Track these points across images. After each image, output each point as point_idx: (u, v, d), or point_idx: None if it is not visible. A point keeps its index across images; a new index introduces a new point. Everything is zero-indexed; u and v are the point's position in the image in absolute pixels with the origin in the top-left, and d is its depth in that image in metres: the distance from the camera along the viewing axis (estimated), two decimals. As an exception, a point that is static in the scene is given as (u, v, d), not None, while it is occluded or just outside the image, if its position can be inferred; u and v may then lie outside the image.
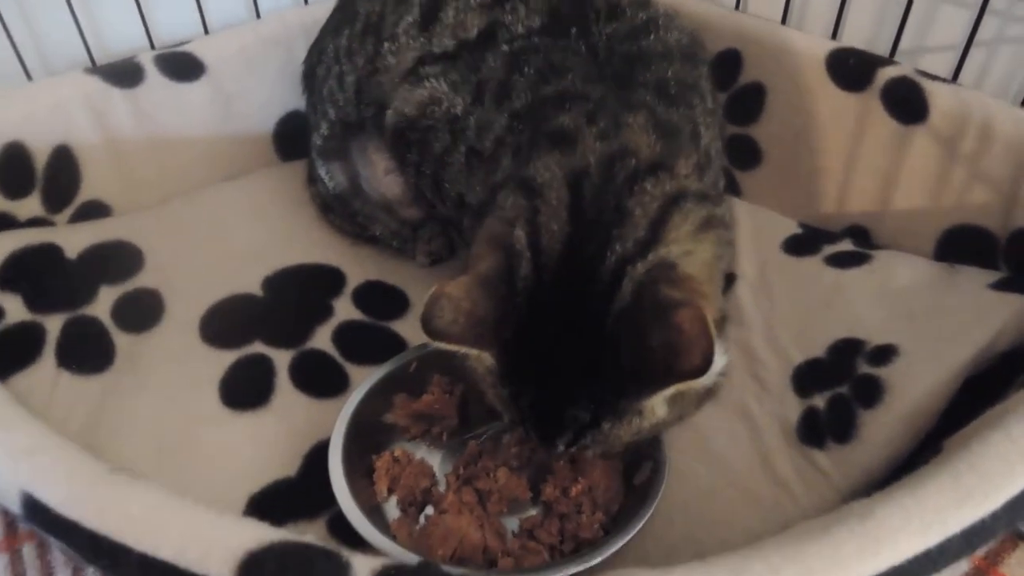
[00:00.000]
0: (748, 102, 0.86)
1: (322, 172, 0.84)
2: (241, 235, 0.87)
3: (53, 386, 0.68)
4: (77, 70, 0.81)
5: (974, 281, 0.68)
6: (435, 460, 0.66)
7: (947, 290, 0.69)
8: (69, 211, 0.82)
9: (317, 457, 0.65)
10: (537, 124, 0.59)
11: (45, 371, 0.69)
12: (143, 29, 0.87)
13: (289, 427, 0.68)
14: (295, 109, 0.95)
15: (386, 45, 0.71)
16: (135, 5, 0.85)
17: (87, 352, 0.72)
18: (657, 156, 0.55)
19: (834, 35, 0.83)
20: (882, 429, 0.60)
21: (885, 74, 0.75)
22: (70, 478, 0.43)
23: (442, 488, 0.63)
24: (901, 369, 0.62)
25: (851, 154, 0.79)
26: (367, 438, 0.65)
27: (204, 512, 0.42)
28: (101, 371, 0.71)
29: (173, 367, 0.72)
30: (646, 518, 0.55)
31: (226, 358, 0.73)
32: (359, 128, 0.79)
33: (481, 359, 0.52)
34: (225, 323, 0.77)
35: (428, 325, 0.49)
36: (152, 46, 0.88)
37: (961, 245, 0.73)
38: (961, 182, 0.71)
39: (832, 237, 0.80)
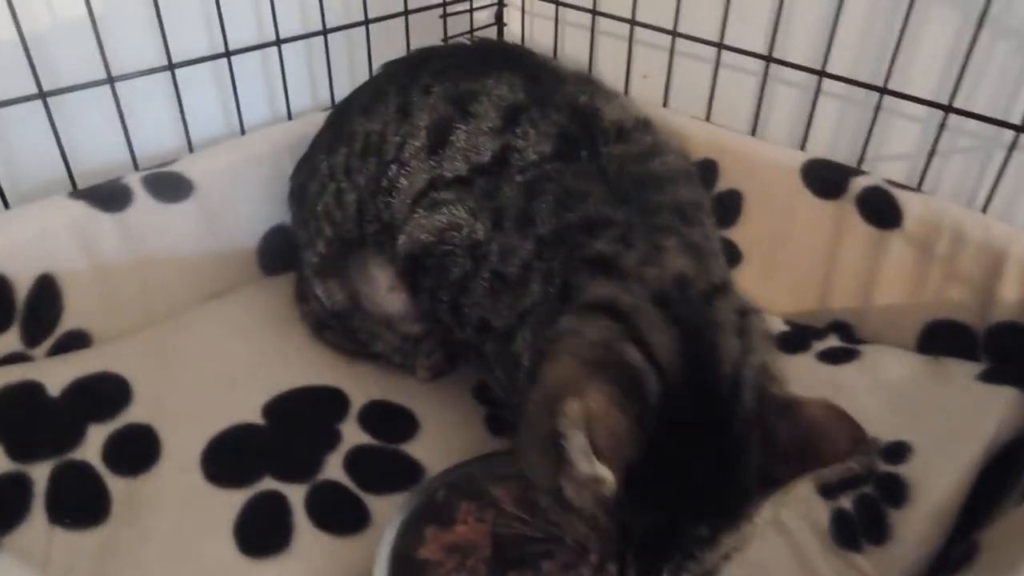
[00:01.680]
0: (726, 207, 0.91)
1: (319, 291, 0.82)
2: (231, 358, 0.83)
3: (47, 545, 0.62)
4: (59, 193, 0.78)
5: (961, 374, 0.74)
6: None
7: (939, 383, 0.74)
8: (48, 343, 0.77)
9: (349, 601, 0.62)
10: (570, 251, 0.60)
11: (36, 529, 0.63)
12: (120, 146, 0.84)
13: (314, 571, 0.64)
14: (279, 223, 0.94)
15: (393, 168, 0.72)
16: (115, 122, 0.83)
17: (80, 503, 0.66)
18: (712, 276, 0.57)
19: (802, 146, 0.90)
20: (913, 528, 0.62)
21: (858, 184, 0.82)
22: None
23: (489, 625, 0.61)
24: (919, 467, 0.65)
25: (830, 255, 0.85)
26: (399, 577, 0.63)
27: None
28: (97, 524, 0.65)
29: (179, 513, 0.67)
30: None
31: (236, 498, 0.69)
32: (359, 245, 0.78)
33: (598, 485, 0.49)
34: (229, 459, 0.72)
35: (595, 446, 0.46)
36: (135, 165, 0.85)
37: (942, 338, 0.79)
38: (938, 281, 0.78)
39: (818, 333, 0.85)
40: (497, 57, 0.73)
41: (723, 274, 0.60)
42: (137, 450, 0.72)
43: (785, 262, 0.88)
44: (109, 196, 0.79)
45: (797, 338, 0.85)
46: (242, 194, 0.90)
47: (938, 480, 0.64)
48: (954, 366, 0.75)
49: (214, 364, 0.82)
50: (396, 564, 0.62)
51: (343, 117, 0.81)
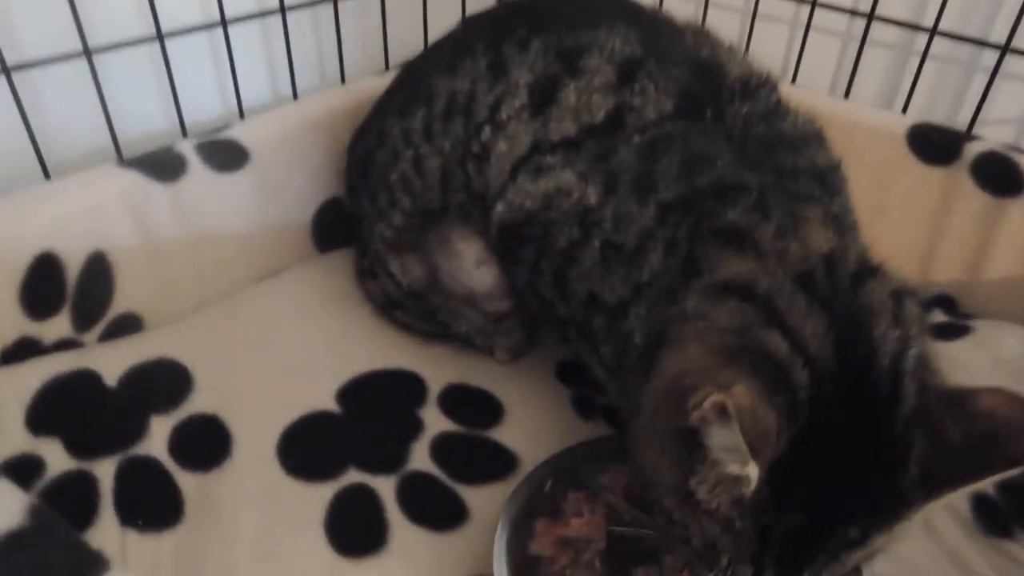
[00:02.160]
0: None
1: (394, 268, 0.75)
2: (295, 342, 0.76)
3: (122, 549, 0.56)
4: (108, 163, 0.70)
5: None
6: (594, 593, 0.58)
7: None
8: (99, 328, 0.70)
9: (462, 605, 0.56)
10: (697, 219, 0.55)
11: (108, 533, 0.57)
12: (162, 114, 0.77)
13: (417, 570, 0.58)
14: (334, 196, 0.87)
15: (487, 130, 0.65)
16: (155, 86, 0.75)
17: (151, 502, 0.60)
18: (861, 253, 0.52)
19: (904, 109, 0.85)
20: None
21: (973, 149, 0.76)
22: None
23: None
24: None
25: (937, 225, 0.79)
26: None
27: None
28: (173, 525, 0.59)
29: (260, 510, 0.61)
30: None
31: (323, 493, 0.63)
32: (440, 216, 0.72)
33: (738, 486, 0.44)
34: (308, 450, 0.66)
35: (751, 438, 0.40)
36: (184, 132, 0.78)
37: (1062, 312, 0.74)
38: (1062, 252, 0.73)
39: (924, 307, 0.80)
40: (604, 8, 0.67)
41: (869, 254, 0.54)
42: (205, 443, 0.65)
43: (884, 232, 0.82)
44: (163, 165, 0.72)
45: (899, 313, 0.79)
46: (298, 164, 0.82)
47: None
48: (1080, 341, 0.71)
49: (276, 348, 0.75)
50: (508, 560, 0.57)
51: (417, 76, 0.74)
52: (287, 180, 0.82)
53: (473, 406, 0.73)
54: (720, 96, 0.60)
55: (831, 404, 0.44)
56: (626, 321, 0.57)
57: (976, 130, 0.83)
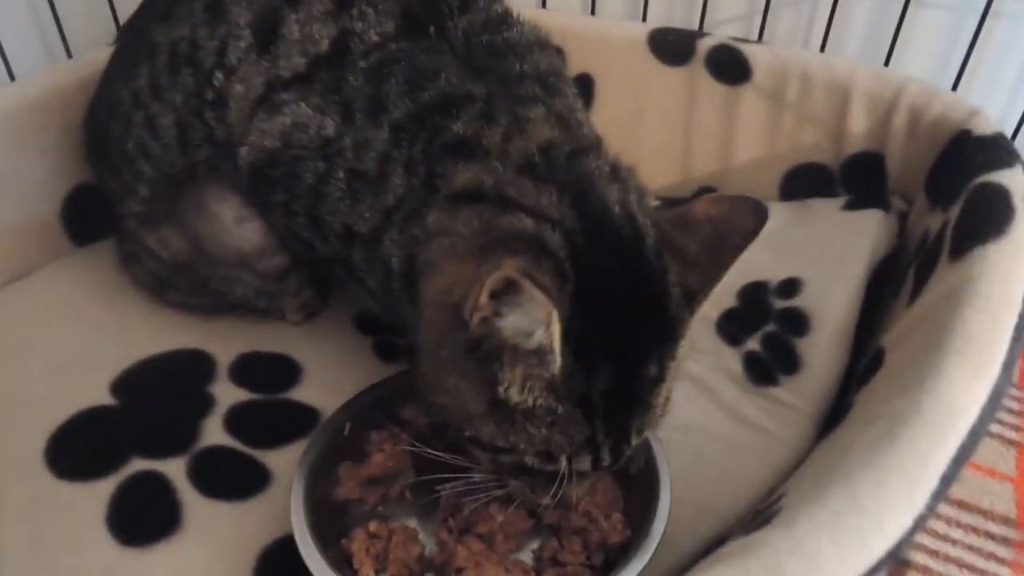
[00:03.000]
0: (578, 92, 0.89)
1: (151, 242, 0.70)
2: (59, 341, 0.70)
3: None
4: None
5: (827, 209, 0.77)
6: (410, 524, 0.58)
7: (811, 222, 0.76)
8: None
9: (267, 567, 0.55)
10: (429, 136, 0.55)
11: None
12: None
13: (220, 543, 0.56)
14: (82, 182, 0.79)
15: (218, 75, 0.62)
16: None
17: None
18: (580, 141, 0.54)
19: (643, 17, 0.89)
20: (821, 351, 0.64)
21: (705, 44, 0.82)
22: None
23: (434, 549, 0.55)
24: (813, 297, 0.67)
25: (687, 122, 0.85)
26: (324, 526, 0.55)
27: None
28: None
29: (31, 521, 0.55)
30: (669, 498, 0.53)
31: (103, 489, 0.58)
32: (189, 179, 0.67)
33: (544, 365, 0.44)
34: (81, 449, 0.61)
35: (542, 295, 0.41)
36: None
37: (802, 183, 0.82)
38: (791, 127, 0.80)
39: (686, 201, 0.85)
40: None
41: (592, 139, 0.57)
42: (-44, 464, 0.58)
43: (644, 138, 0.87)
44: None
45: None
46: (25, 151, 0.74)
47: (832, 303, 0.66)
48: (818, 205, 0.79)
49: (37, 350, 0.68)
50: (313, 510, 0.55)
51: (137, 33, 0.69)
52: (16, 169, 0.73)
53: (268, 371, 0.70)
54: (440, 12, 0.60)
55: (589, 257, 0.46)
56: (383, 248, 0.57)
57: (713, 30, 0.89)
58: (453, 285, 0.48)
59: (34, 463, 0.59)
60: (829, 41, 0.83)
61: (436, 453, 0.54)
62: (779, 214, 0.79)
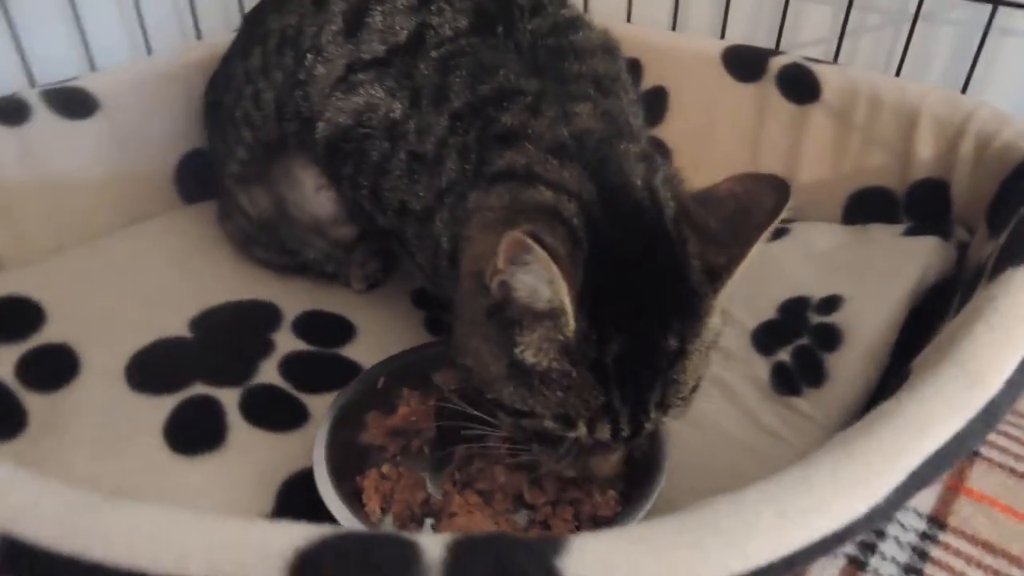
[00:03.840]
0: (652, 104, 0.91)
1: (243, 200, 0.79)
2: (153, 280, 0.79)
3: (-43, 461, 0.58)
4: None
5: (886, 233, 0.76)
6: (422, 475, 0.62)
7: (866, 244, 0.75)
8: (-52, 268, 0.72)
9: (290, 492, 0.60)
10: (483, 125, 0.59)
11: (-56, 444, 0.59)
12: (17, 67, 0.79)
13: (254, 464, 0.62)
14: (196, 148, 0.90)
15: (309, 57, 0.70)
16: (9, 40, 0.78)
17: (-7, 420, 0.62)
18: (618, 132, 0.57)
19: (721, 35, 0.91)
20: (848, 366, 0.64)
21: (777, 63, 0.83)
22: (62, 509, 0.37)
23: (438, 497, 0.60)
24: (850, 313, 0.67)
25: (755, 138, 0.86)
26: (344, 464, 0.60)
27: (232, 520, 0.37)
28: (12, 437, 0.62)
29: (102, 421, 0.64)
30: (662, 483, 0.55)
31: (165, 403, 0.66)
32: (281, 148, 0.75)
33: (559, 328, 0.46)
34: (154, 368, 0.69)
35: (550, 255, 0.43)
36: (32, 84, 0.80)
37: (865, 207, 0.81)
38: (858, 149, 0.79)
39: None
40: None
41: (633, 133, 0.59)
42: (54, 367, 0.68)
43: (713, 152, 0.89)
44: (5, 109, 0.74)
45: (728, 224, 0.85)
46: (153, 114, 0.85)
47: (868, 321, 0.65)
48: (877, 230, 0.77)
49: (134, 285, 0.78)
50: (338, 450, 0.60)
51: (256, 20, 0.78)
52: (142, 130, 0.85)
53: (326, 328, 0.77)
54: (511, 13, 0.65)
55: (605, 226, 0.48)
56: (433, 227, 0.62)
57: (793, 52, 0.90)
58: (481, 254, 0.51)
59: (115, 374, 0.68)
60: (913, 68, 0.82)
61: (463, 411, 0.56)
62: (837, 236, 0.79)
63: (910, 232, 0.74)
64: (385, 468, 0.60)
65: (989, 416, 0.44)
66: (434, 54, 0.64)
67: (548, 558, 0.35)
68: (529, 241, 0.44)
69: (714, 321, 0.49)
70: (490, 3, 0.66)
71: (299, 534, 0.36)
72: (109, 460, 0.60)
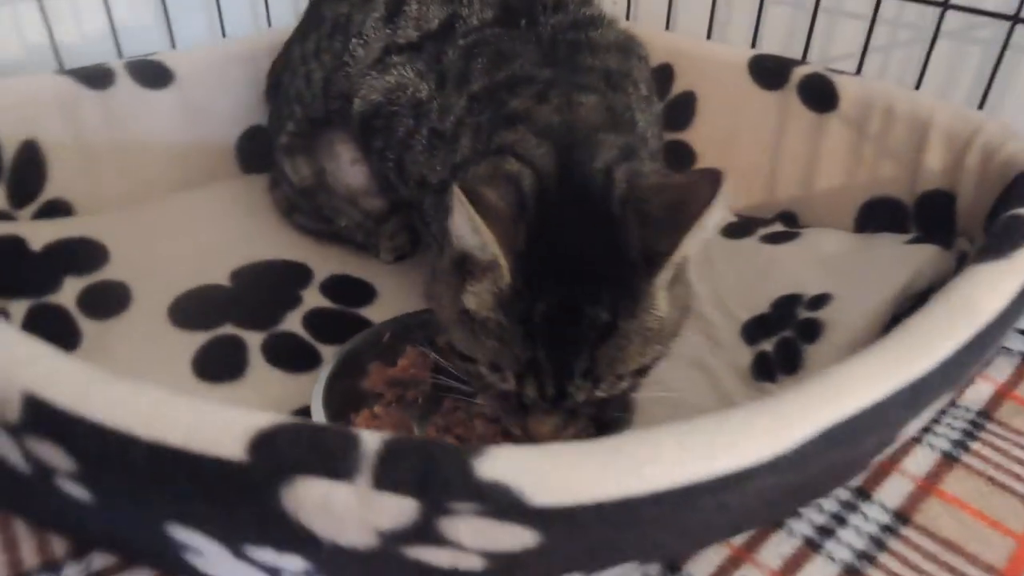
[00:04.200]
0: (681, 108, 0.95)
1: (287, 168, 0.87)
2: (206, 235, 0.88)
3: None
4: (47, 72, 0.84)
5: (890, 241, 0.77)
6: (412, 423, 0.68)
7: (867, 251, 0.77)
8: (32, 207, 0.83)
9: (294, 422, 0.67)
10: (495, 108, 0.64)
11: (10, 351, 0.68)
12: (109, 41, 0.91)
13: (264, 397, 0.69)
14: (258, 124, 0.99)
15: (354, 41, 0.77)
16: (104, 20, 0.89)
17: (51, 336, 0.71)
18: (613, 127, 0.61)
19: (752, 45, 0.94)
20: (824, 358, 0.66)
21: (799, 72, 0.85)
22: (75, 379, 0.44)
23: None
24: (836, 309, 0.69)
25: (776, 146, 0.88)
26: (344, 405, 0.67)
27: (213, 403, 0.43)
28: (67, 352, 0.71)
29: (143, 347, 0.72)
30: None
31: (198, 338, 0.74)
32: (325, 123, 0.83)
33: (494, 279, 0.51)
34: (194, 309, 0.78)
35: (473, 194, 0.48)
36: (120, 55, 0.92)
37: (876, 216, 0.82)
38: (871, 159, 0.81)
39: (764, 222, 0.89)
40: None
41: (636, 132, 0.63)
42: (110, 300, 0.77)
43: (736, 158, 0.92)
44: (93, 76, 0.85)
45: (743, 226, 0.88)
46: (222, 89, 0.95)
47: (850, 316, 0.67)
48: (882, 238, 0.79)
49: (188, 238, 0.87)
50: (338, 393, 0.66)
51: (314, 10, 0.87)
52: (211, 103, 0.95)
53: (350, 290, 0.84)
54: (534, 8, 0.71)
55: (555, 199, 0.53)
56: (448, 199, 0.68)
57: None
58: None
59: (160, 311, 0.77)
60: (942, 84, 0.83)
61: (449, 372, 0.62)
62: (844, 242, 0.80)
63: (914, 241, 0.75)
64: (377, 409, 0.66)
65: (916, 395, 0.46)
66: (461, 42, 0.71)
67: (466, 460, 0.40)
68: (457, 189, 0.49)
69: (661, 308, 0.52)
70: None
71: (263, 418, 0.42)
72: (142, 379, 0.68)
